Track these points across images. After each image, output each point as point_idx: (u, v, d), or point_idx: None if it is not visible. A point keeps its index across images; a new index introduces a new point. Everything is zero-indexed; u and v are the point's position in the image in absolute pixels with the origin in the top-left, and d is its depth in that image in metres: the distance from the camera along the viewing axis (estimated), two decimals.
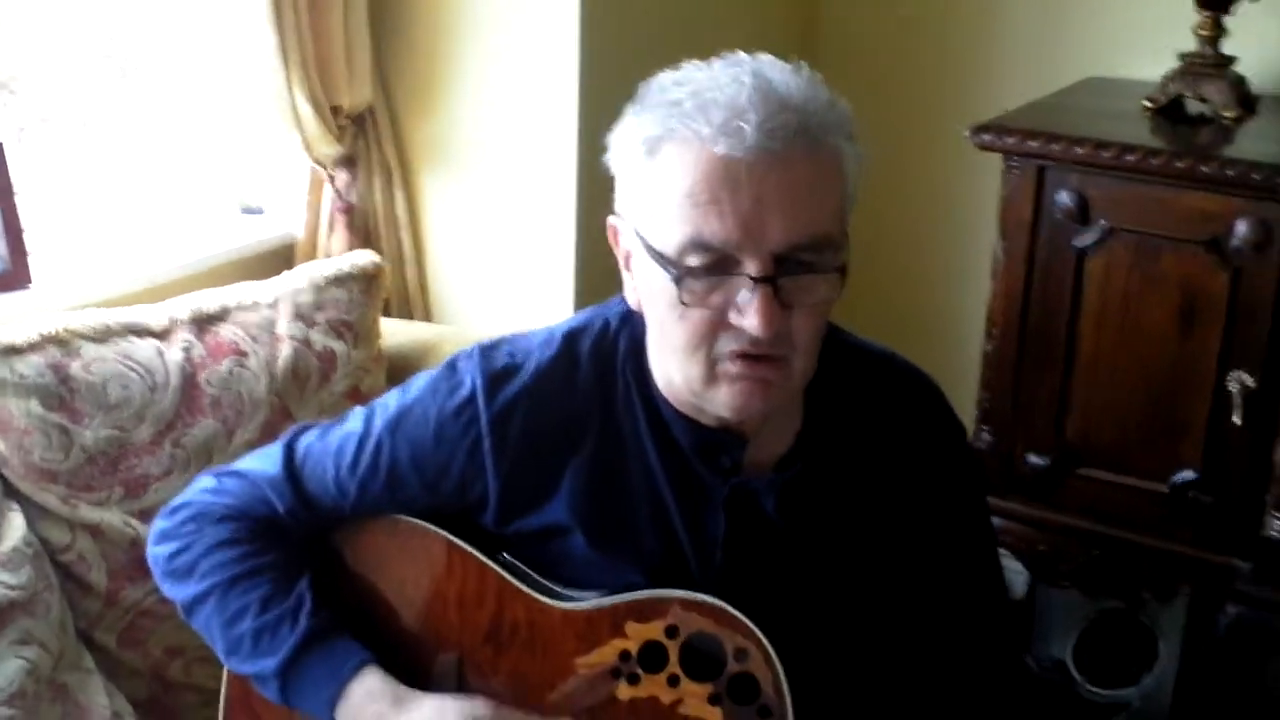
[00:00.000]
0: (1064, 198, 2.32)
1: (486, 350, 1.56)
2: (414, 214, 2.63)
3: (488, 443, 1.51)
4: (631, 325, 1.52)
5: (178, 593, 1.60)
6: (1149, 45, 2.63)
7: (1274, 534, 2.24)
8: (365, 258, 2.24)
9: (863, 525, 1.53)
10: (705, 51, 1.40)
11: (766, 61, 1.36)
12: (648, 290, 1.40)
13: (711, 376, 1.38)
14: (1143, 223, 2.28)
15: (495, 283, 2.64)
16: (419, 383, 1.58)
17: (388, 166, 2.58)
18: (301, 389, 2.13)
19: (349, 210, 2.54)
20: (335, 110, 2.45)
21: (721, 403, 1.40)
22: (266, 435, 2.06)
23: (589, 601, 1.51)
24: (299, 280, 2.18)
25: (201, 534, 1.59)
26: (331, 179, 2.52)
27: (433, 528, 1.58)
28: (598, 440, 1.51)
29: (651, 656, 1.48)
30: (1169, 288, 2.29)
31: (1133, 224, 2.29)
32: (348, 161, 2.52)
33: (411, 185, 2.62)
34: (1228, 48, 2.47)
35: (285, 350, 2.12)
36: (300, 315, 2.15)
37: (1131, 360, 2.34)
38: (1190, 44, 2.48)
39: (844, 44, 3.00)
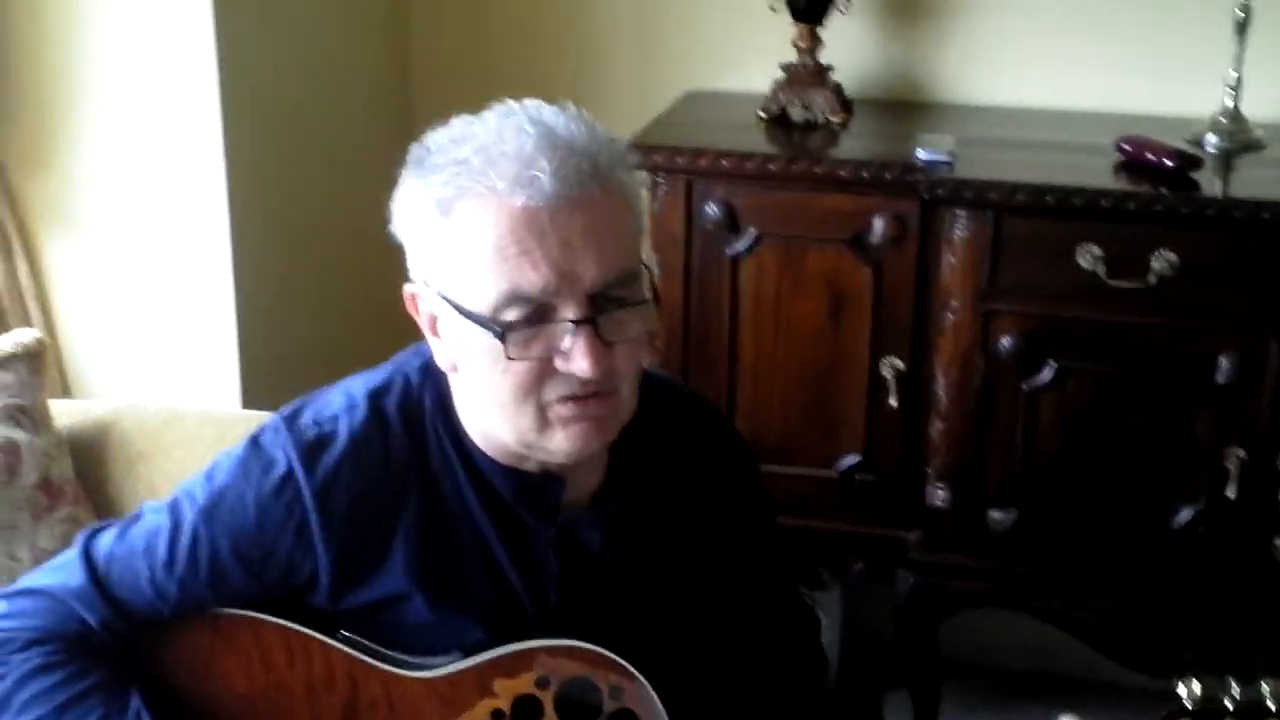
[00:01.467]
0: (712, 209, 2.43)
1: (289, 421, 1.48)
2: (39, 281, 2.40)
3: (314, 519, 1.43)
4: (433, 380, 1.49)
5: None
6: (743, 59, 2.80)
7: (937, 503, 2.45)
8: (27, 334, 2.03)
9: (676, 549, 1.56)
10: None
11: (537, 107, 1.37)
12: (464, 351, 1.38)
13: (544, 423, 1.38)
14: (788, 227, 2.43)
15: (139, 348, 2.47)
16: (223, 466, 1.47)
17: (3, 231, 2.35)
18: None
19: None
20: None
21: (558, 447, 1.39)
22: None
23: (448, 666, 1.46)
24: None
25: (8, 664, 1.41)
26: None
27: (262, 615, 1.47)
28: (420, 500, 1.47)
29: (525, 711, 1.44)
30: (817, 285, 2.45)
31: (779, 229, 2.44)
32: None
33: (33, 251, 2.40)
34: (824, 57, 2.67)
35: None
36: None
37: (789, 357, 2.49)
38: (788, 56, 2.66)
39: (434, 69, 2.99)
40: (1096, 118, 2.66)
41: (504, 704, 1.44)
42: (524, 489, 1.47)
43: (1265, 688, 1.39)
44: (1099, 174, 2.35)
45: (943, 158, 2.36)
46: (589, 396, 1.36)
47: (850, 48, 2.75)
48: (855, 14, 2.68)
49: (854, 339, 2.46)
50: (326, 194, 2.72)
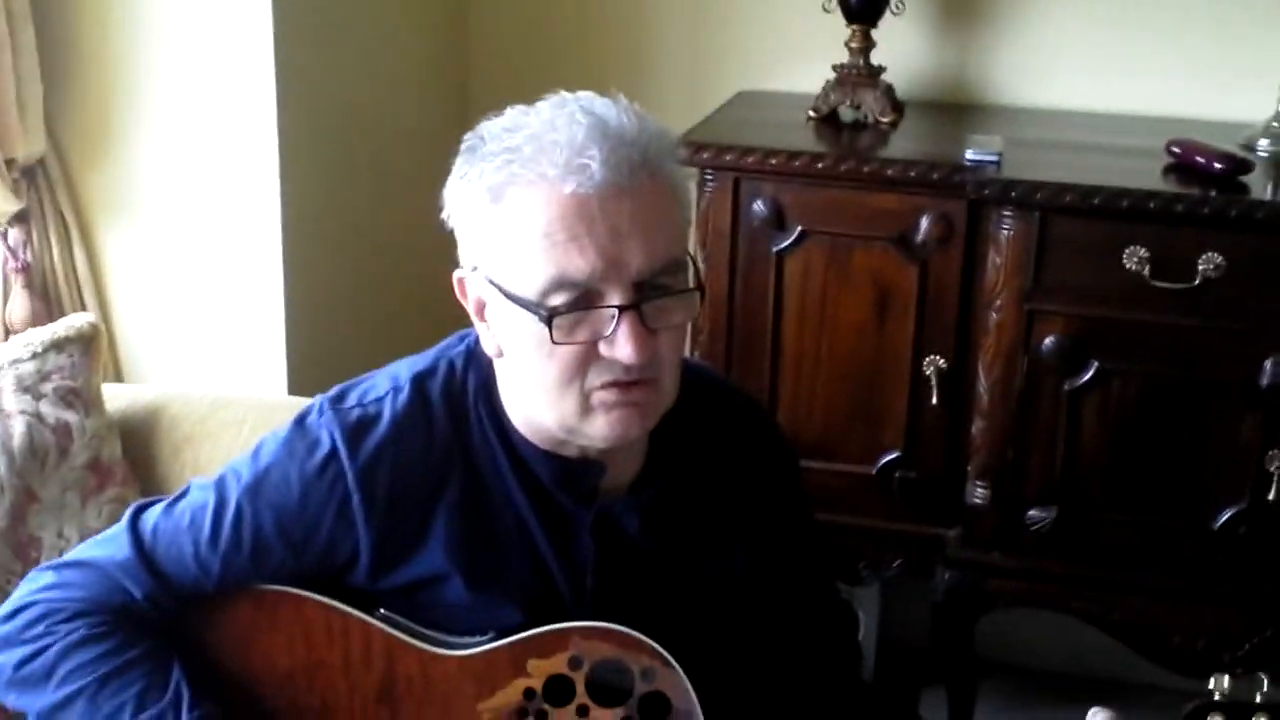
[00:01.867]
0: (760, 206, 2.45)
1: (335, 403, 1.52)
2: (96, 270, 2.46)
3: (356, 498, 1.47)
4: (477, 365, 1.52)
5: (31, 702, 1.45)
6: (795, 59, 2.81)
7: (976, 501, 2.46)
8: (82, 319, 2.09)
9: (713, 539, 1.58)
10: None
11: (590, 98, 1.40)
12: (510, 335, 1.41)
13: (586, 409, 1.40)
14: (834, 224, 2.45)
15: (191, 336, 2.51)
16: (269, 447, 1.51)
17: (63, 220, 2.40)
18: (42, 466, 1.96)
19: (26, 270, 2.35)
20: (9, 163, 2.26)
21: (599, 433, 1.42)
22: (16, 520, 1.90)
23: (483, 645, 1.49)
24: (15, 350, 2.01)
25: (54, 634, 1.45)
26: (4, 236, 2.33)
27: (304, 593, 1.50)
28: (461, 483, 1.50)
29: (557, 690, 1.47)
30: (863, 283, 2.47)
31: (825, 226, 2.45)
32: (19, 218, 2.34)
33: (91, 239, 2.45)
34: (876, 58, 2.68)
35: (18, 427, 1.95)
36: (25, 388, 1.98)
37: (833, 354, 2.50)
38: (840, 57, 2.67)
39: (490, 65, 3.03)
40: (1148, 121, 2.67)
41: (536, 683, 1.47)
42: (564, 474, 1.50)
43: None
44: (1148, 176, 2.35)
45: (990, 158, 2.37)
46: (631, 383, 1.39)
47: (903, 49, 2.76)
48: (908, 16, 2.70)
49: (898, 337, 2.47)
50: (378, 188, 2.76)
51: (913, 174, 2.38)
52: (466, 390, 1.52)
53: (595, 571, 1.52)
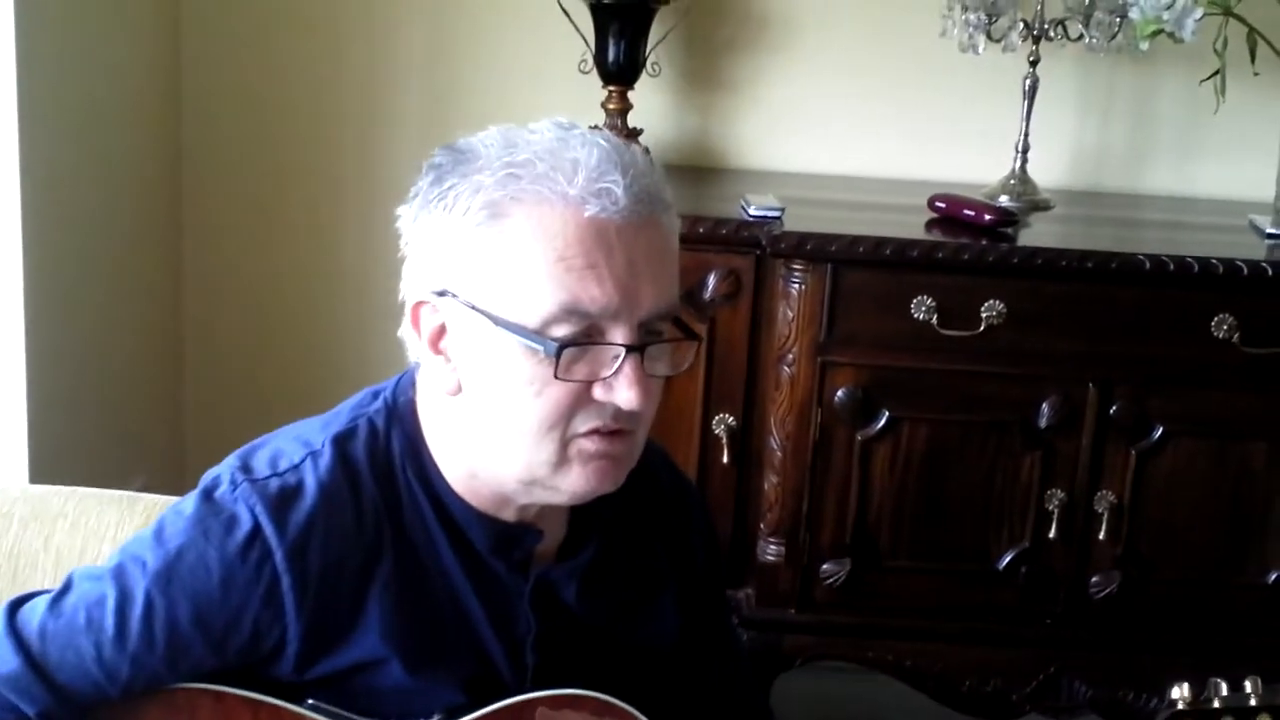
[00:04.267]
0: None
1: (246, 472, 1.33)
2: None
3: (286, 580, 1.29)
4: (400, 424, 1.38)
5: None
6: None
7: (769, 558, 2.45)
8: None
9: (647, 601, 1.50)
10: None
11: (588, 127, 1.31)
12: (483, 370, 1.28)
13: (563, 459, 1.29)
14: None
15: None
16: (174, 526, 1.31)
17: None
18: None
19: None
20: None
21: (572, 486, 1.31)
22: None
23: None
24: None
25: None
26: None
27: (222, 688, 1.31)
28: (394, 556, 1.34)
29: None
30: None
31: None
32: None
33: None
34: (633, 120, 2.67)
35: None
36: None
37: None
38: (598, 118, 2.65)
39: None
40: (893, 183, 2.76)
41: None
42: (500, 539, 1.37)
43: (1248, 685, 1.44)
44: (918, 230, 2.43)
45: (774, 213, 2.39)
46: (613, 433, 1.28)
47: (657, 113, 2.76)
48: (662, 81, 2.70)
49: (686, 397, 2.45)
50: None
51: (701, 230, 2.38)
52: (392, 452, 1.36)
53: (535, 646, 1.40)
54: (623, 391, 1.24)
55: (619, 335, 1.24)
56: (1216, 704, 1.43)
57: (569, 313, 1.22)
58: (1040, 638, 2.46)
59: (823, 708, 2.81)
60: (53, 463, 2.28)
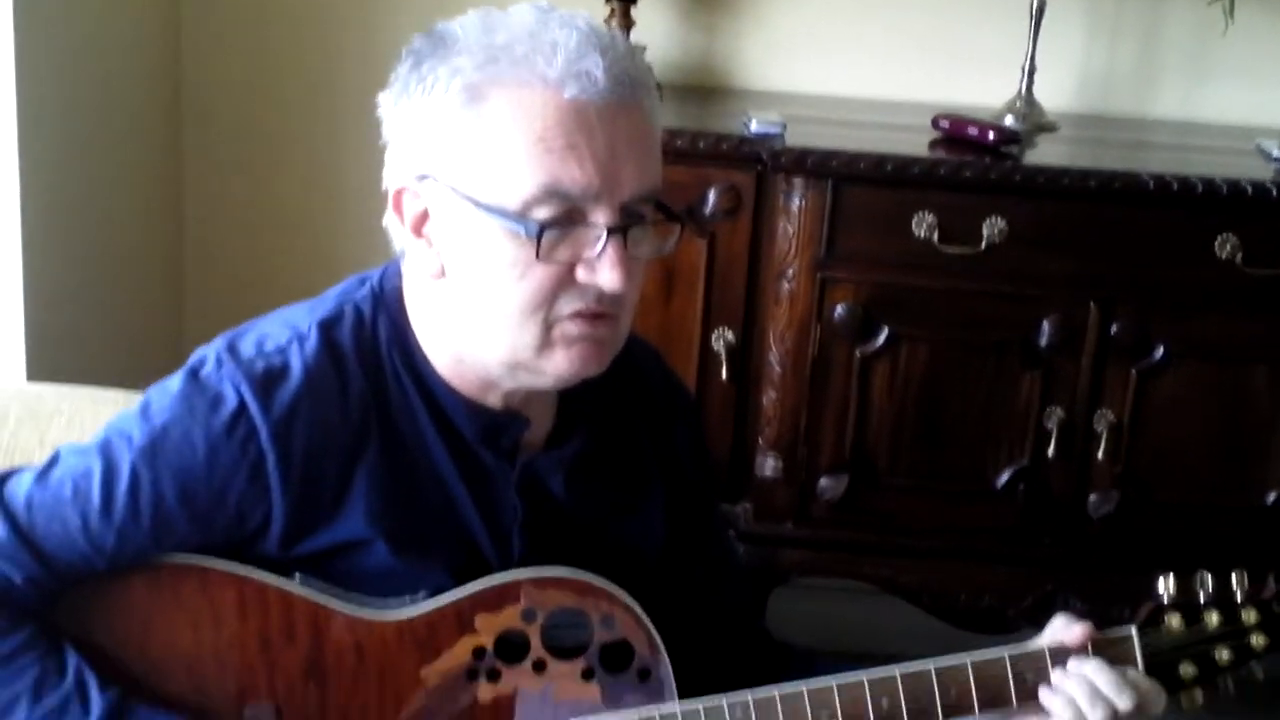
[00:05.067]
0: None
1: (232, 353, 1.34)
2: None
3: (271, 458, 1.30)
4: (386, 310, 1.39)
5: None
6: None
7: (767, 474, 2.45)
8: None
9: (634, 501, 1.50)
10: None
11: (565, 10, 1.30)
12: (466, 253, 1.28)
13: (546, 342, 1.30)
14: None
15: None
16: (160, 403, 1.32)
17: None
18: None
19: None
20: None
21: (556, 369, 1.32)
22: None
23: (424, 605, 1.35)
24: None
25: None
26: None
27: (208, 562, 1.32)
28: (380, 441, 1.35)
29: (510, 647, 1.35)
30: (649, 259, 2.42)
31: None
32: None
33: None
34: (634, 38, 2.65)
35: None
36: None
37: None
38: None
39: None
40: (896, 105, 2.74)
41: (487, 640, 1.35)
42: (487, 427, 1.38)
43: (1235, 578, 1.44)
44: (921, 148, 2.42)
45: (775, 130, 2.38)
46: (596, 316, 1.29)
47: (660, 31, 2.74)
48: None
49: (685, 313, 2.45)
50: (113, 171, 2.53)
51: (702, 145, 2.37)
52: (378, 338, 1.37)
53: (522, 532, 1.41)
54: (605, 273, 1.25)
55: (600, 217, 1.24)
56: (1202, 598, 1.44)
57: (550, 194, 1.23)
58: (1037, 556, 2.46)
59: (817, 627, 2.82)
60: (50, 361, 2.29)
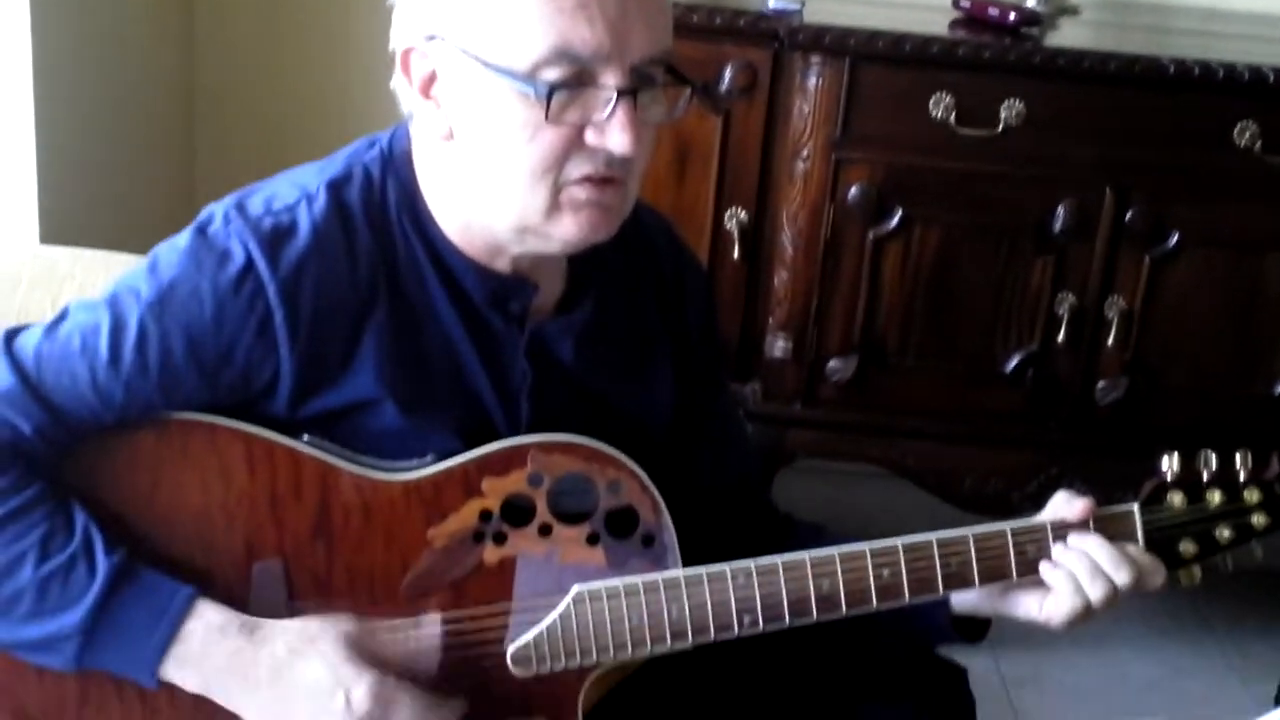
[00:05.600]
0: None
1: (240, 210, 1.34)
2: None
3: (279, 315, 1.30)
4: (395, 172, 1.38)
5: None
6: None
7: (777, 354, 2.46)
8: None
9: (643, 368, 1.51)
10: None
11: None
12: (475, 116, 1.28)
13: (554, 206, 1.30)
14: None
15: None
16: (168, 258, 1.32)
17: None
18: None
19: None
20: None
21: (564, 234, 1.32)
22: None
23: (431, 467, 1.36)
24: None
25: None
26: None
27: (216, 419, 1.33)
28: (388, 303, 1.36)
29: (516, 511, 1.36)
30: (662, 136, 2.39)
31: None
32: None
33: None
34: None
35: None
36: None
37: None
38: None
39: None
40: None
41: (493, 504, 1.36)
42: (496, 291, 1.38)
43: (1238, 458, 1.45)
44: (940, 28, 2.39)
45: (793, 6, 2.36)
46: (605, 181, 1.28)
47: None
48: None
49: (698, 191, 2.44)
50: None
51: (718, 21, 2.35)
52: (387, 200, 1.37)
53: (530, 397, 1.41)
54: (615, 135, 1.24)
55: (611, 79, 1.23)
56: (1205, 476, 1.44)
57: (559, 55, 1.22)
58: (1043, 441, 2.47)
59: (822, 512, 2.84)
60: (63, 224, 2.29)
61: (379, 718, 1.27)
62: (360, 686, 1.27)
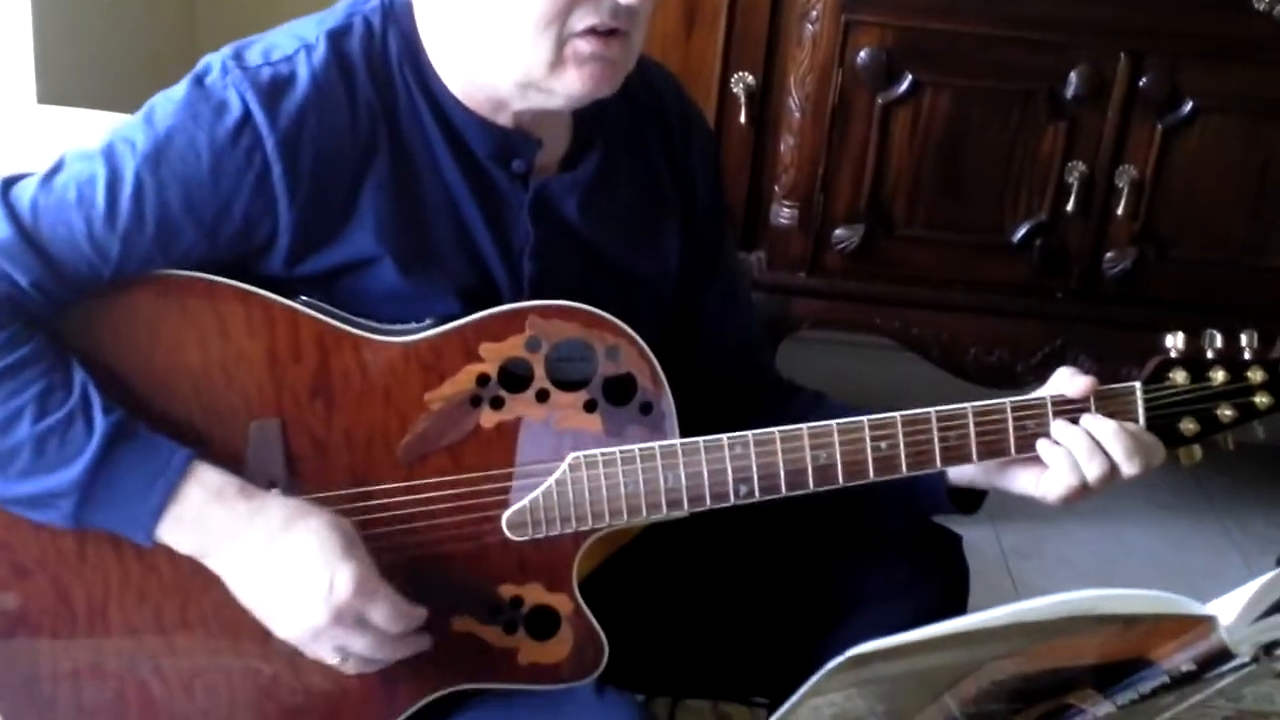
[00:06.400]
0: None
1: (238, 60, 1.32)
2: None
3: (277, 169, 1.29)
4: (396, 23, 1.36)
5: None
6: None
7: (782, 221, 2.43)
8: None
9: (648, 228, 1.50)
10: None
11: None
12: None
13: (558, 59, 1.29)
14: None
15: None
16: (164, 109, 1.30)
17: None
18: None
19: None
20: None
21: (567, 88, 1.31)
22: None
23: (429, 330, 1.35)
24: None
25: None
26: None
27: (215, 278, 1.32)
28: (389, 156, 1.34)
29: (513, 376, 1.36)
30: None
31: None
32: None
33: None
34: None
35: None
36: None
37: None
38: None
39: None
40: None
41: (491, 368, 1.35)
42: (499, 144, 1.37)
43: (1244, 337, 1.43)
44: None
45: None
46: (609, 33, 1.27)
47: None
48: None
49: (705, 54, 2.39)
50: None
51: None
52: (389, 52, 1.35)
53: (534, 256, 1.40)
54: None
55: None
56: (1209, 355, 1.43)
57: None
58: (1049, 312, 2.45)
59: (825, 384, 2.84)
60: (60, 84, 2.25)
61: (357, 608, 1.27)
62: (346, 573, 1.27)
